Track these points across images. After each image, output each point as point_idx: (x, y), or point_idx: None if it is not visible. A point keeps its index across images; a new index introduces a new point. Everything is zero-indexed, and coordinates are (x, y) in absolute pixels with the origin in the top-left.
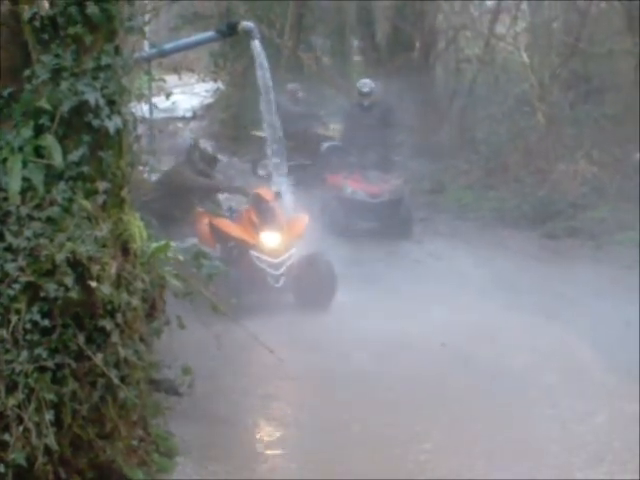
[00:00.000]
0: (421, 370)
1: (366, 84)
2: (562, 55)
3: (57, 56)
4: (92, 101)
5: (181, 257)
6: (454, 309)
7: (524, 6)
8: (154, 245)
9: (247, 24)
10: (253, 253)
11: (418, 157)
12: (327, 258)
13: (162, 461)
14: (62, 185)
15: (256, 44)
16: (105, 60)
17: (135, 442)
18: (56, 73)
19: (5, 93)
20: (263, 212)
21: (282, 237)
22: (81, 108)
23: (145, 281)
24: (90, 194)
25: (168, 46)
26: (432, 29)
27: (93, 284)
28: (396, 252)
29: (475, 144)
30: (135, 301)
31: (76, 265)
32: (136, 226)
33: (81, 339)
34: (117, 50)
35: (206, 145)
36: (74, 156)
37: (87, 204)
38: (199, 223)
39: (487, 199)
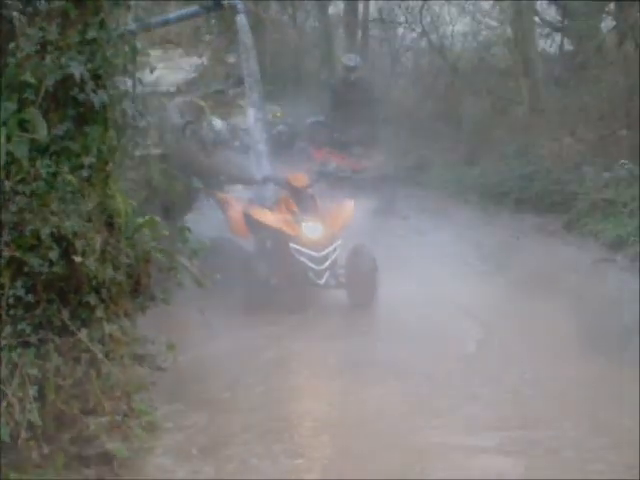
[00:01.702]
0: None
1: (351, 58)
2: (547, 31)
3: (42, 29)
4: (77, 75)
5: (166, 232)
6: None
7: None
8: (139, 220)
9: None
10: (293, 246)
11: (403, 133)
12: (370, 250)
13: (144, 436)
14: (47, 159)
15: (241, 18)
16: (90, 34)
17: (119, 417)
18: (41, 47)
19: None
20: (302, 200)
21: (325, 227)
22: (66, 82)
23: (130, 256)
24: (75, 169)
25: (153, 20)
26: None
27: (78, 259)
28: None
29: (459, 120)
30: (120, 276)
31: (61, 240)
32: (121, 201)
33: (65, 314)
34: (102, 24)
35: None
36: (59, 130)
37: (72, 178)
38: (230, 210)
39: (471, 176)
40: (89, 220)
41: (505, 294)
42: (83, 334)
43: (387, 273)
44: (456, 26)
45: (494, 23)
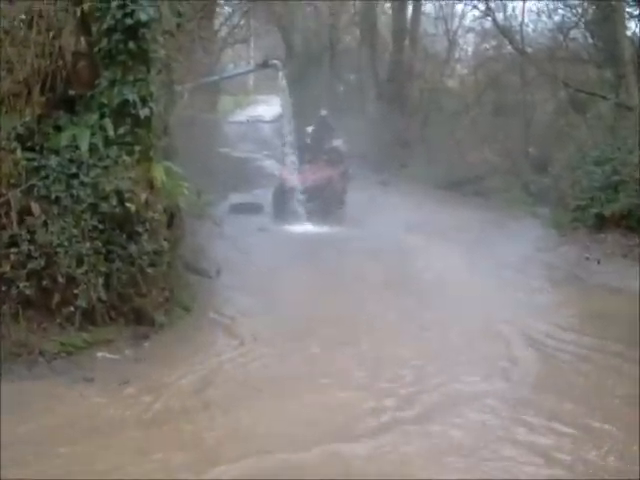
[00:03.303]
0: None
1: (309, 129)
2: (482, 85)
3: (112, 72)
4: (130, 99)
5: (187, 192)
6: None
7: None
8: (172, 184)
9: (274, 61)
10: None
11: (393, 146)
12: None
13: (180, 312)
14: (114, 147)
15: (280, 75)
16: (140, 75)
17: (161, 299)
18: (111, 82)
19: (88, 95)
20: None
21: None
22: (125, 103)
23: (163, 204)
24: (130, 153)
25: (227, 74)
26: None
27: (128, 205)
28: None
29: (528, 117)
30: (157, 216)
31: (119, 194)
32: (159, 172)
33: (124, 237)
34: (148, 70)
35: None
36: (121, 131)
37: (128, 159)
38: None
39: (429, 173)
40: (137, 183)
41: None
42: (133, 249)
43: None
44: (527, 3)
45: (451, 82)
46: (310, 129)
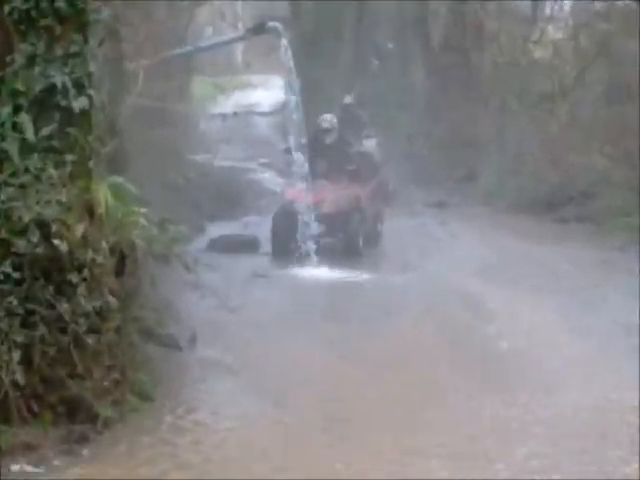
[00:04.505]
0: None
1: (326, 120)
2: (587, 56)
3: (32, 44)
4: (59, 84)
5: (145, 222)
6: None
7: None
8: (123, 211)
9: (273, 24)
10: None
11: (453, 147)
12: None
13: (135, 402)
14: (34, 156)
15: (283, 42)
16: (73, 48)
17: (107, 384)
18: (30, 59)
19: None
20: None
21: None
22: (52, 90)
23: (109, 241)
24: (59, 165)
25: (203, 44)
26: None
27: (56, 242)
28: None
29: (504, 137)
30: (100, 258)
31: (42, 226)
32: (102, 193)
33: (51, 290)
34: (86, 40)
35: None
36: (45, 131)
37: (55, 173)
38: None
39: (507, 188)
40: (69, 209)
41: None
42: (64, 308)
43: None
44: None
45: (540, 51)
46: (328, 124)
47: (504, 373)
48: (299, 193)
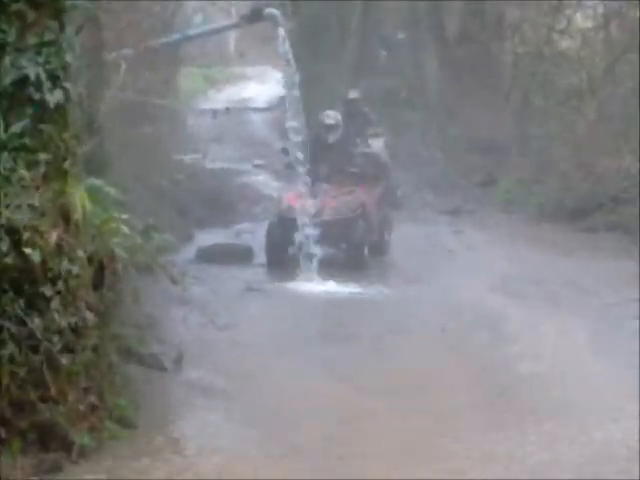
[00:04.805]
0: None
1: (330, 116)
2: (619, 47)
3: (2, 32)
4: (32, 75)
5: (126, 230)
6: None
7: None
8: (102, 217)
9: (271, 11)
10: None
11: (471, 150)
12: None
13: (115, 429)
14: (4, 155)
15: (280, 34)
16: (48, 36)
17: (83, 408)
18: (0, 48)
19: None
20: None
21: None
22: (24, 82)
23: (87, 250)
24: (31, 165)
25: (193, 32)
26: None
27: (27, 251)
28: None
29: (526, 138)
30: (77, 269)
31: (12, 232)
32: (79, 197)
33: (21, 304)
34: (62, 27)
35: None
36: (16, 128)
37: (27, 174)
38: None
39: (533, 193)
40: (43, 214)
41: None
42: (36, 324)
43: None
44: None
45: (566, 42)
46: (332, 121)
47: (525, 404)
48: (298, 198)
